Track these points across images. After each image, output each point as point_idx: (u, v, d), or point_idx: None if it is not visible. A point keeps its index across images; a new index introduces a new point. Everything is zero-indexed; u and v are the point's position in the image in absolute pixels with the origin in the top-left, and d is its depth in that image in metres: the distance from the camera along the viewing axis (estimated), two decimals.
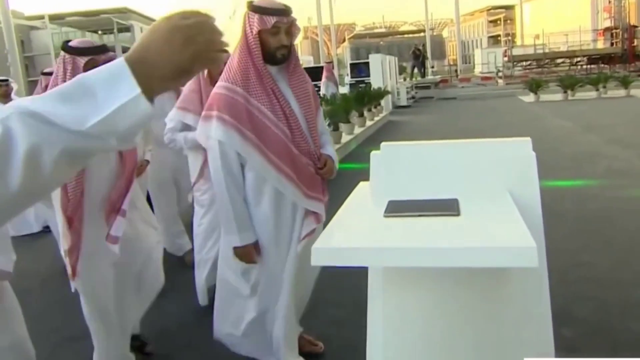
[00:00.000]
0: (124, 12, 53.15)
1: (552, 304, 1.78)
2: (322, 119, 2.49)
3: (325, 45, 43.94)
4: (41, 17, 42.91)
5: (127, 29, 49.41)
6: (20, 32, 37.22)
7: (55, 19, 46.36)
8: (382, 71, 16.40)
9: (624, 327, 2.75)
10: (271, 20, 2.11)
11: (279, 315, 2.38)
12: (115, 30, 46.39)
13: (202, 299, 3.38)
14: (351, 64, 18.60)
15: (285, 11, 2.13)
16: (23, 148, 0.69)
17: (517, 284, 1.68)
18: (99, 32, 47.99)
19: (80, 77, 0.74)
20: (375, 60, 16.57)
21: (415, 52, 24.36)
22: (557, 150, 7.77)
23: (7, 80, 5.46)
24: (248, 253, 2.27)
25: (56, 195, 2.25)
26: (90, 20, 47.66)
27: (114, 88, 0.72)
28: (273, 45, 2.15)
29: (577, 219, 4.64)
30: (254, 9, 2.14)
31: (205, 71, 3.09)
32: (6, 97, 5.26)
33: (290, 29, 2.19)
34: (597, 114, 12.21)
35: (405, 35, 60.86)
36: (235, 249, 2.27)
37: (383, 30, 64.82)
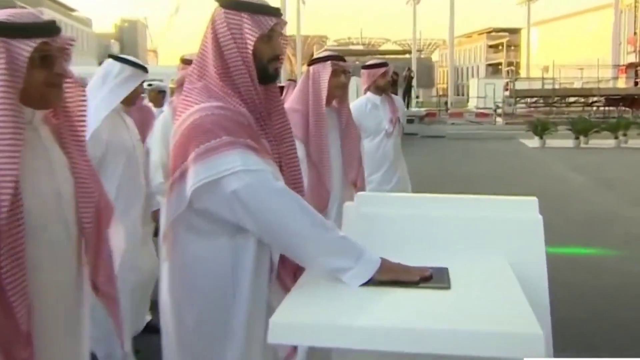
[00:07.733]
0: None
1: None
2: None
3: (289, 60, 44.47)
4: None
5: None
6: None
7: None
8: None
9: None
10: None
11: None
12: None
13: None
14: None
15: None
16: None
17: None
18: None
19: None
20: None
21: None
22: (566, 209, 7.97)
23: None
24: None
25: None
26: None
27: None
28: None
29: (588, 295, 4.73)
30: None
31: None
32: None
33: None
34: (615, 167, 12.67)
35: (387, 56, 62.51)
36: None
37: (360, 47, 66.33)
